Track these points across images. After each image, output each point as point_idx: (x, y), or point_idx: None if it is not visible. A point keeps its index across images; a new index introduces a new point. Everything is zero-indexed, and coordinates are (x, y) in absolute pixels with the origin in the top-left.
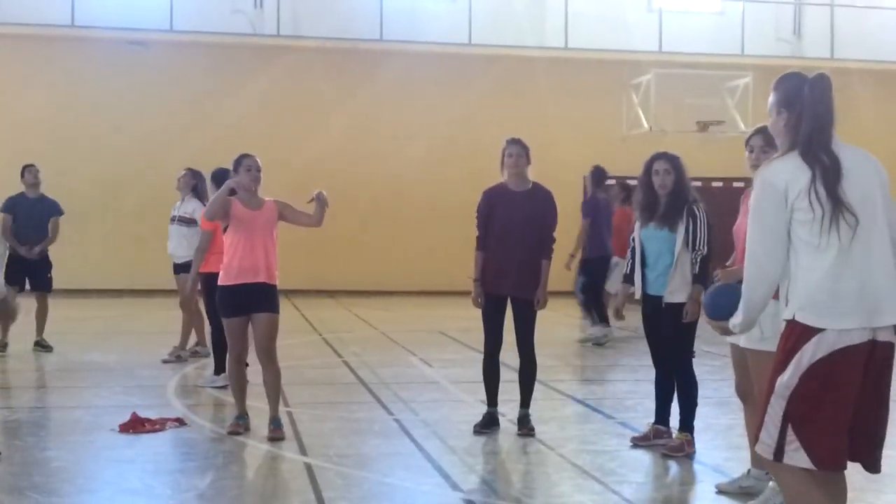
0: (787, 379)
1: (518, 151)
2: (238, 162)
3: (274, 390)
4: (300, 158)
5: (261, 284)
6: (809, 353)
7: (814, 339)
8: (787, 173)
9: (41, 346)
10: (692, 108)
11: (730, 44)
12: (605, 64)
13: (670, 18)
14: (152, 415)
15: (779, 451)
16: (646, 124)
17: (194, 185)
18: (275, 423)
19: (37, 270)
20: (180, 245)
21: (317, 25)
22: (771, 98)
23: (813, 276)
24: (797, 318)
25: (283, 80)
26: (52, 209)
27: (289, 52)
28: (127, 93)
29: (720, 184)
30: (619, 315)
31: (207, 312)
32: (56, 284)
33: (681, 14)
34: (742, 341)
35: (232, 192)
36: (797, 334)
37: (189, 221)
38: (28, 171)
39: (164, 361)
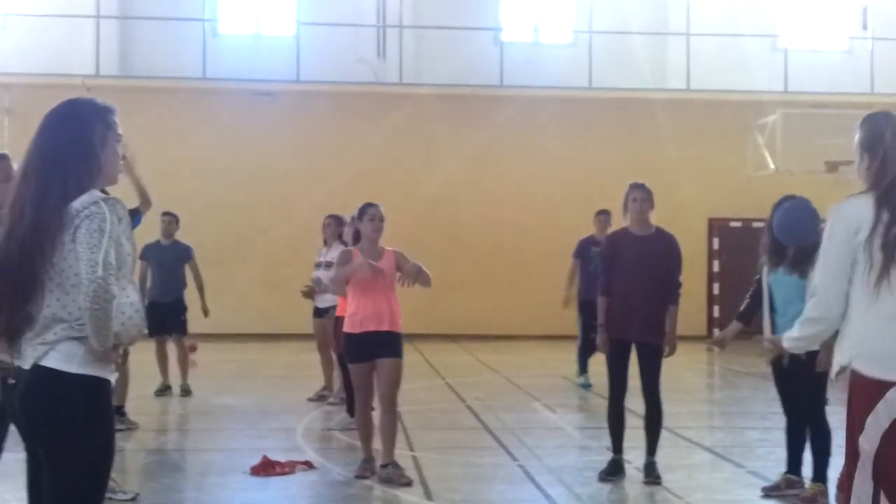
0: (869, 441)
1: (643, 196)
2: (362, 211)
3: (390, 435)
4: (422, 203)
5: (385, 333)
6: (885, 413)
7: (887, 397)
8: (863, 211)
9: (184, 390)
10: (820, 148)
11: (858, 82)
12: (729, 105)
13: (796, 57)
14: (282, 458)
15: None
16: (772, 165)
17: (340, 231)
18: (394, 466)
19: (171, 314)
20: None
21: (437, 72)
22: (855, 138)
23: (869, 322)
24: (855, 367)
25: (404, 127)
26: (185, 254)
27: (410, 99)
28: (256, 141)
29: None
30: (720, 344)
31: (339, 356)
32: (191, 329)
33: (807, 53)
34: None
35: (356, 237)
36: (861, 387)
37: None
38: (163, 219)
39: (310, 400)
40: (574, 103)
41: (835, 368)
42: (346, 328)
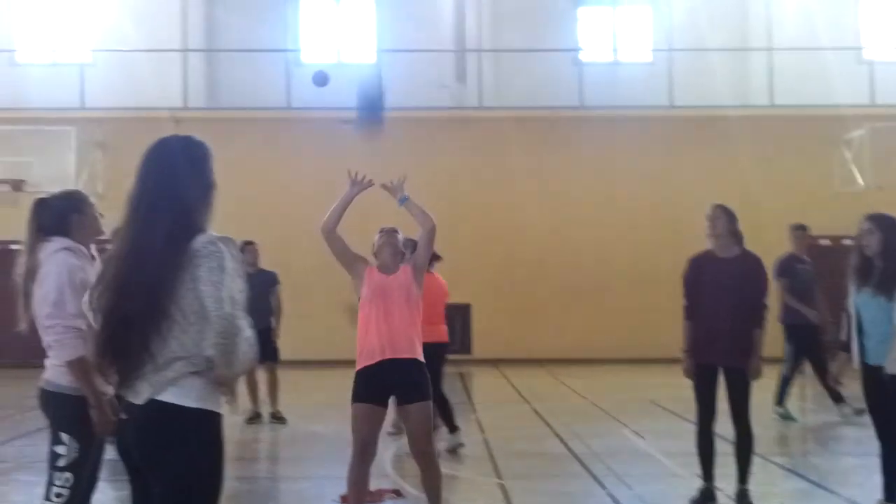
0: None
1: (719, 215)
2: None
3: (436, 493)
4: (502, 227)
5: (403, 361)
6: None
7: None
8: None
9: (276, 418)
10: None
11: None
12: (813, 120)
13: (882, 70)
14: (371, 486)
15: None
16: (860, 181)
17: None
18: None
19: (262, 342)
20: None
21: (517, 94)
22: None
23: None
24: None
25: (484, 150)
26: (271, 280)
27: (490, 122)
28: (339, 168)
29: None
30: (836, 381)
31: None
32: (281, 355)
33: (893, 64)
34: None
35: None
36: None
37: None
38: (247, 248)
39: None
40: (654, 122)
41: None
42: (358, 363)
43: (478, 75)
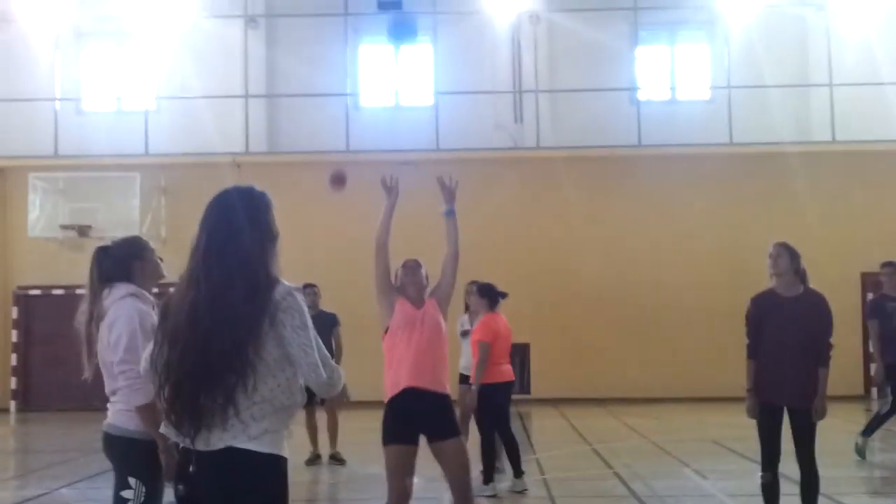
0: None
1: (780, 253)
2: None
3: None
4: (560, 267)
5: (429, 393)
6: None
7: None
8: None
9: (336, 459)
10: None
11: None
12: (877, 155)
13: None
14: None
15: None
16: None
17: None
18: None
19: None
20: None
21: (573, 134)
22: None
23: None
24: None
25: (542, 191)
26: (331, 322)
27: (547, 163)
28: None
29: None
30: None
31: (479, 422)
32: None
33: None
34: None
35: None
36: None
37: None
38: (307, 291)
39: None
40: (713, 160)
41: None
42: (388, 397)
43: (535, 115)
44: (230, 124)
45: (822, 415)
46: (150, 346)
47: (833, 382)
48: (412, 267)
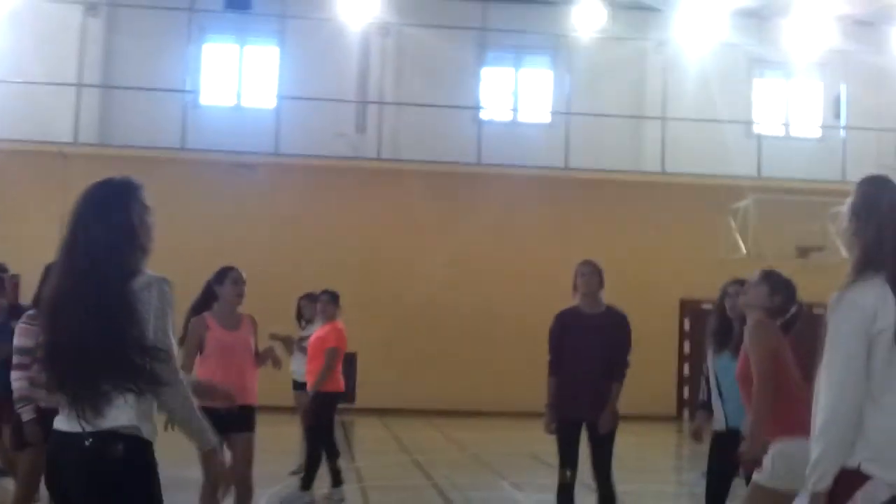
0: None
1: (589, 271)
2: (223, 274)
3: None
4: (395, 277)
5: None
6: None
7: (865, 488)
8: (876, 298)
9: None
10: (792, 234)
11: (830, 169)
12: (703, 188)
13: (770, 143)
14: None
15: None
16: (744, 249)
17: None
18: None
19: None
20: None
21: (416, 148)
22: (847, 202)
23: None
24: (864, 469)
25: (382, 201)
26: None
27: (388, 174)
28: (234, 213)
29: (822, 311)
30: (698, 438)
31: (310, 429)
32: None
33: (780, 139)
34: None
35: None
36: (855, 485)
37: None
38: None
39: (292, 473)
40: (549, 182)
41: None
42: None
43: (378, 126)
44: (59, 112)
45: (609, 426)
46: None
47: (648, 403)
48: (233, 275)
